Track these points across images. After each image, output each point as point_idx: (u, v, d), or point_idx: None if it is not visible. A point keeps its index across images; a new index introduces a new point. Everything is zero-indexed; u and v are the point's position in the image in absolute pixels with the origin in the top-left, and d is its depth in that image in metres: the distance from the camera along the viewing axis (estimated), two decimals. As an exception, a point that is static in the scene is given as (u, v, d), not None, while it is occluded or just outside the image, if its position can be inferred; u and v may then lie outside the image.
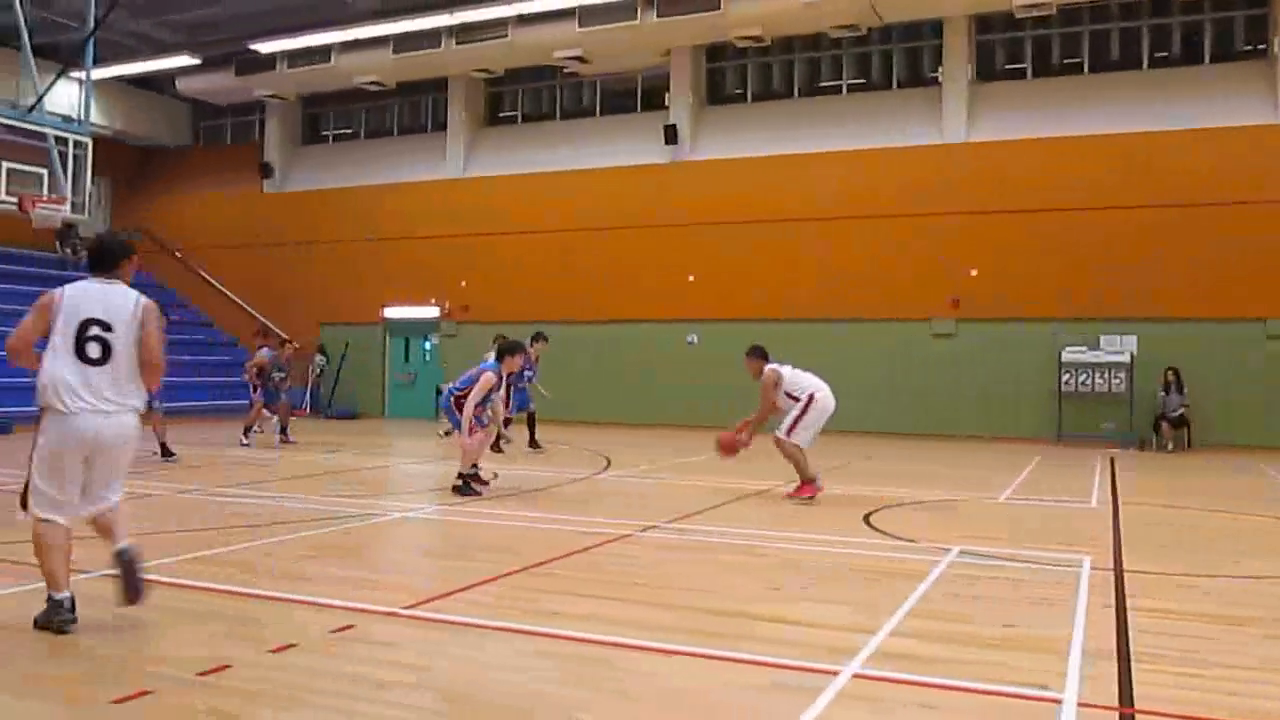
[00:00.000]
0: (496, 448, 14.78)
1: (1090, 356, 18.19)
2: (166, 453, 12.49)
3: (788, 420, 9.93)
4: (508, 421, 14.31)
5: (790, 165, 20.52)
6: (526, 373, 14.47)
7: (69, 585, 4.71)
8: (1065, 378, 18.25)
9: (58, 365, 4.70)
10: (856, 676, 4.15)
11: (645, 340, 21.44)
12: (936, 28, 20.33)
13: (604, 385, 21.47)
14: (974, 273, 19.01)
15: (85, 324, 4.76)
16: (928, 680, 4.09)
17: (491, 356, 10.54)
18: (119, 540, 4.83)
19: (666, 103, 22.24)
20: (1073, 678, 4.17)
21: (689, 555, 6.90)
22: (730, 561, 6.70)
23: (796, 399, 9.96)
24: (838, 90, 21.53)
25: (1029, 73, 20.18)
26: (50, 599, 4.68)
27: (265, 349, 15.47)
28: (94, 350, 4.74)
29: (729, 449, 10.18)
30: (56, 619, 4.62)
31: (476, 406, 9.94)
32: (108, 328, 4.78)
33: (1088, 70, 19.64)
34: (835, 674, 4.15)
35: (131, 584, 4.75)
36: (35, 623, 4.65)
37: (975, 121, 19.73)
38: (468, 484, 9.83)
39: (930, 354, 19.37)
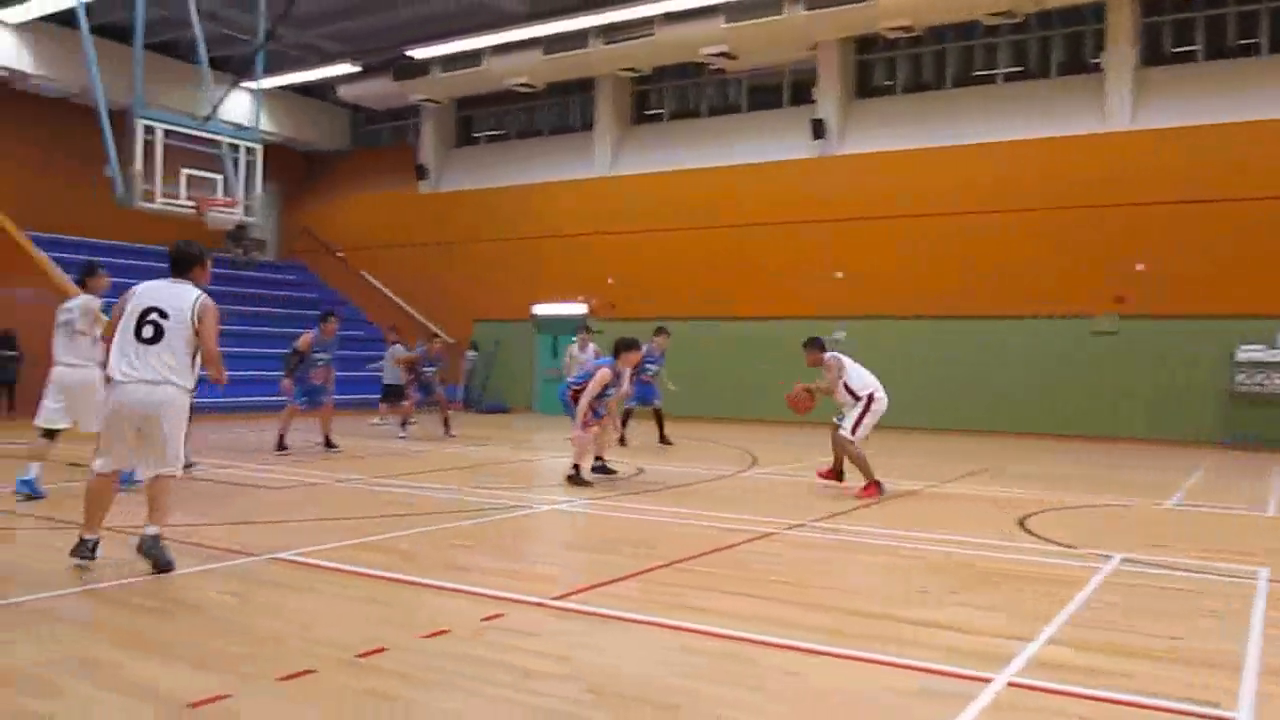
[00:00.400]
0: (621, 441, 14.96)
1: (1268, 355, 17.05)
2: (329, 444, 13.04)
3: (850, 420, 9.98)
4: (627, 416, 14.43)
5: (942, 158, 19.97)
6: (650, 366, 14.58)
7: (97, 531, 5.76)
8: (1239, 377, 17.17)
9: (119, 343, 5.74)
10: (1011, 685, 4.01)
11: (792, 337, 21.08)
12: (1098, 10, 19.43)
13: (750, 382, 21.36)
14: (1140, 267, 18.07)
15: (146, 311, 5.76)
16: (1087, 692, 3.92)
17: (584, 350, 11.15)
18: (147, 524, 5.76)
19: (814, 97, 21.97)
20: (1246, 697, 3.92)
21: (835, 555, 6.81)
22: (877, 562, 6.57)
23: (858, 397, 10.01)
24: (992, 79, 20.83)
25: (1200, 55, 19.07)
26: (80, 537, 5.74)
27: (414, 345, 16.01)
28: (148, 331, 5.72)
29: (800, 404, 10.35)
30: (79, 553, 5.71)
31: (593, 400, 10.22)
32: (164, 315, 5.74)
33: (1267, 51, 18.42)
34: (987, 681, 4.02)
35: (158, 568, 5.68)
36: (71, 551, 5.71)
37: (1141, 109, 18.78)
38: (579, 475, 10.12)
39: (1091, 352, 18.53)
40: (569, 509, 8.86)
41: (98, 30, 16.61)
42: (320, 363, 13.06)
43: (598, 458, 10.93)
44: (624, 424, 15.19)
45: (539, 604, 5.16)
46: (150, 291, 5.88)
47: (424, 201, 27.03)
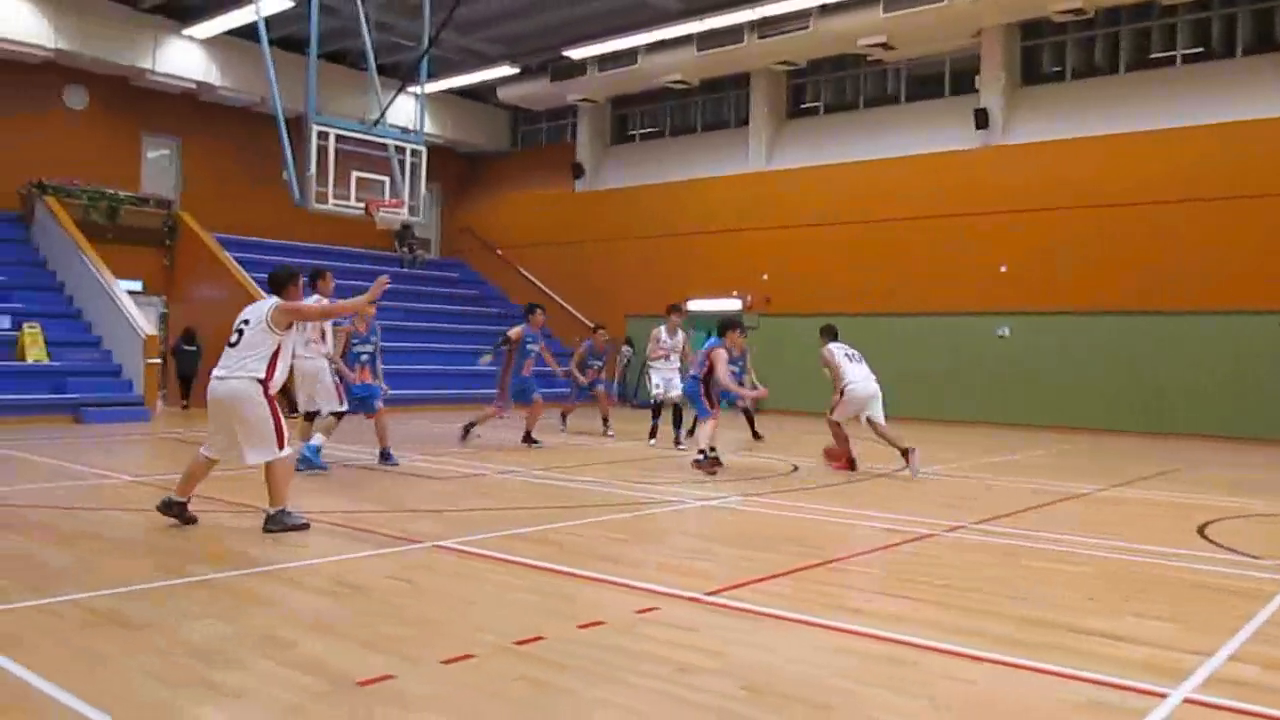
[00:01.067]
0: (754, 435, 14.79)
1: None
2: (530, 439, 13.32)
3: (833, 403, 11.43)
4: (664, 407, 14.47)
5: (1114, 146, 19.00)
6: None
7: (187, 496, 6.92)
8: None
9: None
10: (1189, 701, 3.78)
11: (953, 333, 20.62)
12: (1292, -16, 18.15)
13: (909, 379, 20.84)
14: (1337, 258, 16.79)
15: (237, 323, 6.95)
16: (1273, 713, 3.66)
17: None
18: (269, 504, 6.80)
19: (976, 85, 21.26)
20: None
21: (999, 559, 6.57)
22: (1044, 568, 6.30)
23: (840, 390, 11.34)
24: (1170, 62, 19.70)
25: None
26: (170, 497, 6.92)
27: (585, 341, 16.20)
28: (233, 338, 6.88)
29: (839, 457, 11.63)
30: (166, 508, 6.87)
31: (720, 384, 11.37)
32: (246, 323, 6.90)
33: None
34: (1163, 696, 3.80)
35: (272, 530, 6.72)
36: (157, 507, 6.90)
37: (1341, 88, 17.43)
38: (707, 458, 10.97)
39: (1281, 349, 17.32)
40: (721, 504, 8.84)
41: (276, 43, 17.52)
42: (531, 354, 13.48)
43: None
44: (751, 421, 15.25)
45: (693, 599, 5.16)
46: (245, 310, 7.14)
47: (580, 199, 27.47)
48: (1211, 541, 7.27)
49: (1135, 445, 16.02)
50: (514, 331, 13.44)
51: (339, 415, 10.36)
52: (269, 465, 6.74)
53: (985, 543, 7.07)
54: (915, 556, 6.55)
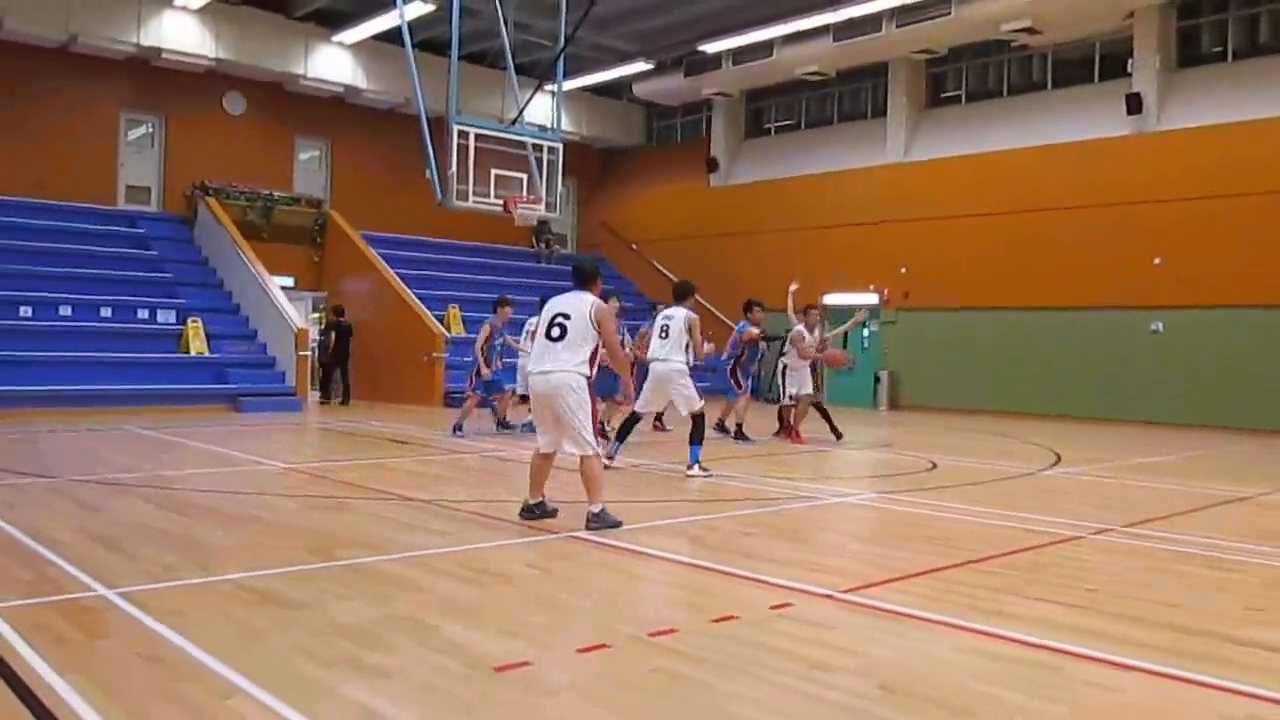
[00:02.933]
0: (792, 435, 14.00)
1: None
2: (739, 434, 13.54)
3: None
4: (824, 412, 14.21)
5: (1278, 130, 17.87)
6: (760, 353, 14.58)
7: (539, 496, 7.04)
8: None
9: (536, 345, 7.00)
10: (1362, 720, 3.55)
11: (1103, 328, 19.77)
12: None
13: (1057, 376, 20.15)
14: None
15: (554, 317, 6.90)
16: None
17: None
18: (589, 502, 6.82)
19: (1129, 69, 20.30)
20: None
21: (1149, 564, 6.29)
22: (1198, 574, 6.00)
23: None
24: (1345, 38, 18.42)
25: None
26: (526, 501, 7.05)
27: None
28: (554, 331, 6.84)
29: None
30: (526, 514, 7.00)
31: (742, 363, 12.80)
32: (567, 317, 6.85)
33: None
34: (1331, 713, 3.58)
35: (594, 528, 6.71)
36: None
37: None
38: (741, 434, 12.55)
39: None
40: (858, 501, 8.72)
41: (419, 46, 18.05)
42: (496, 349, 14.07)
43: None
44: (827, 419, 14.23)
45: (828, 596, 5.12)
46: (554, 301, 7.12)
47: (715, 193, 27.42)
48: (1388, 551, 6.79)
49: (1302, 447, 15.08)
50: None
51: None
52: (584, 461, 6.76)
53: (1135, 546, 6.78)
54: (1059, 559, 6.33)
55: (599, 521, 6.72)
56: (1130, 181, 19.45)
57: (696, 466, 9.82)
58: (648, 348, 11.37)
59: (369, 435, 13.75)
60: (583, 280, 7.13)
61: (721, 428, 13.76)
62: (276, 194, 22.93)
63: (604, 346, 6.89)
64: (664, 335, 10.40)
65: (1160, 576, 5.91)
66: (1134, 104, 19.73)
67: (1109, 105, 20.27)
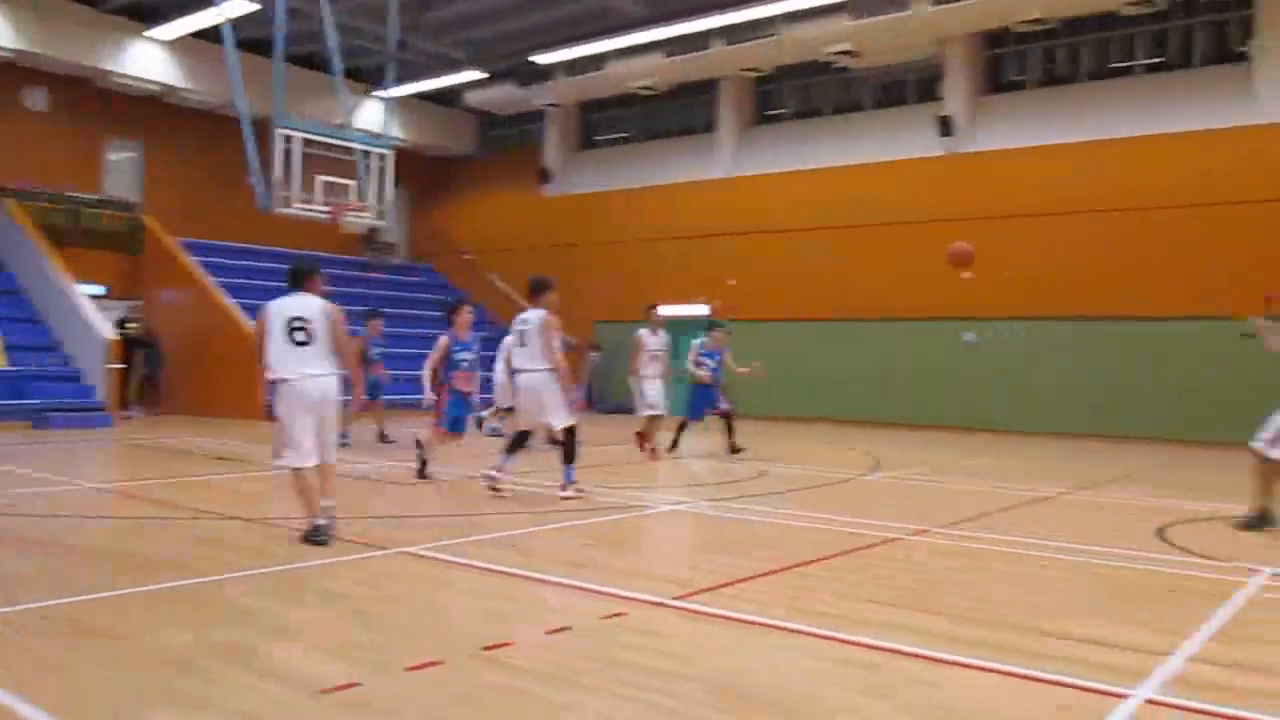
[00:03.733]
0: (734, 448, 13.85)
1: None
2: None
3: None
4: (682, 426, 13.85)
5: (1078, 154, 19.25)
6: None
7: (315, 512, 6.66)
8: None
9: (275, 348, 6.60)
10: (1150, 702, 3.83)
11: (919, 339, 20.79)
12: (1248, -4, 18.49)
13: (874, 385, 21.03)
14: (1293, 265, 17.09)
15: (292, 320, 6.61)
16: (1232, 712, 3.72)
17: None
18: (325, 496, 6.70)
19: (941, 93, 21.47)
20: None
21: (964, 562, 6.63)
22: (1008, 571, 6.37)
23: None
24: (1131, 71, 19.98)
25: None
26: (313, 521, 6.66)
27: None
28: (300, 337, 6.60)
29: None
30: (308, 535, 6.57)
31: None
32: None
33: None
34: (1125, 698, 3.85)
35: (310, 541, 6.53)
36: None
37: (1296, 98, 17.75)
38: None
39: (1239, 354, 17.56)
40: (689, 509, 8.86)
41: (241, 45, 17.39)
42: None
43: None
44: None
45: (660, 604, 5.17)
46: (284, 305, 6.74)
47: (547, 204, 27.44)
48: (1172, 544, 7.38)
49: (1098, 449, 16.22)
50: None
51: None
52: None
53: (951, 546, 7.14)
54: (881, 560, 6.60)
55: (315, 535, 6.53)
56: (942, 200, 20.54)
57: (571, 488, 8.98)
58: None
59: (187, 451, 13.09)
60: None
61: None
62: (84, 197, 21.60)
63: (338, 345, 6.73)
64: (522, 343, 9.14)
65: (974, 574, 6.24)
66: (945, 126, 20.86)
67: (923, 127, 21.37)
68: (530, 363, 9.07)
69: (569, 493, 8.95)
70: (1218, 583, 6.04)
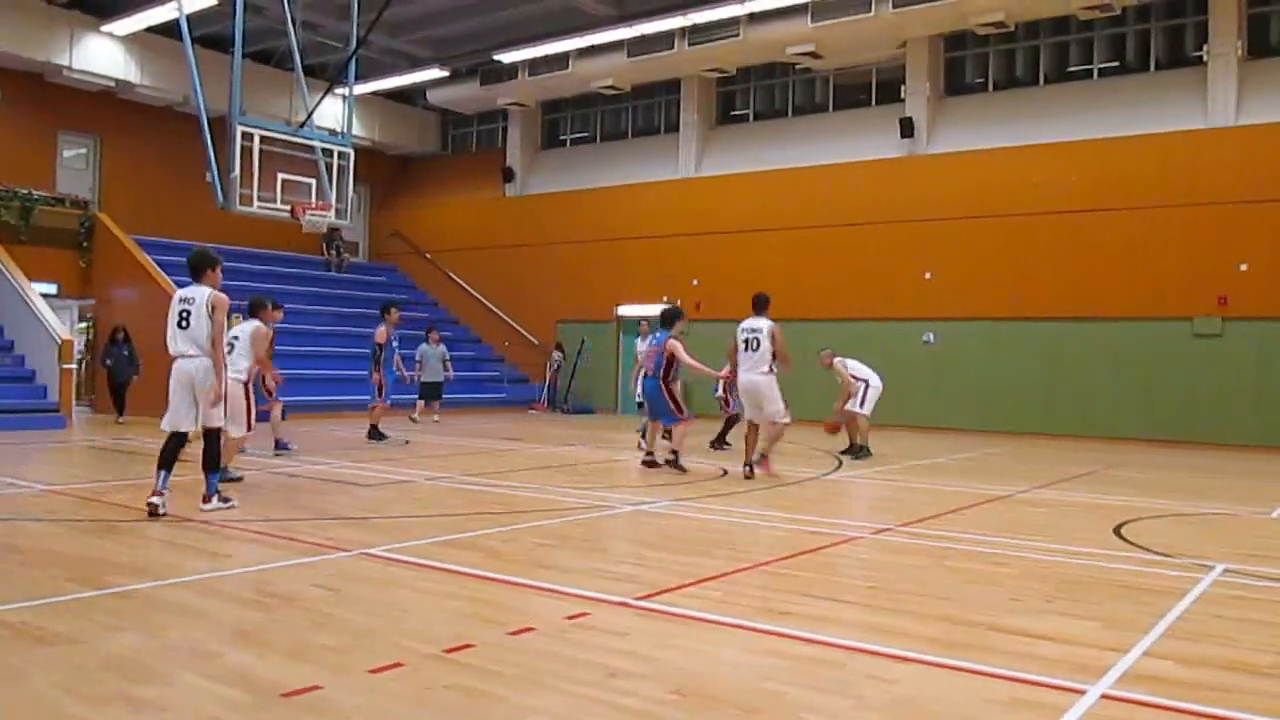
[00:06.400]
0: (723, 442, 14.57)
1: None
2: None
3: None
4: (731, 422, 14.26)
5: (1036, 156, 19.52)
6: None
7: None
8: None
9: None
10: (1105, 697, 3.89)
11: (880, 339, 20.91)
12: (1200, 2, 18.81)
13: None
14: (1244, 267, 17.43)
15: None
16: (1186, 706, 3.78)
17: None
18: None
19: (902, 95, 21.66)
20: (1362, 714, 3.75)
21: (924, 560, 6.69)
22: (967, 569, 6.44)
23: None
24: (1088, 75, 20.28)
25: (1312, 46, 18.29)
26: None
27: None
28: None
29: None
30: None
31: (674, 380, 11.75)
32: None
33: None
34: (1081, 693, 3.91)
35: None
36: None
37: (1246, 102, 18.09)
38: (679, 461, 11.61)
39: (1192, 355, 17.90)
40: (652, 509, 8.87)
41: (199, 41, 17.17)
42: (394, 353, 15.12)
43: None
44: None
45: (623, 604, 5.18)
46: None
47: (510, 204, 27.36)
48: (1127, 541, 7.50)
49: (1057, 448, 16.44)
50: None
51: None
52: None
53: (911, 544, 7.20)
54: (842, 559, 6.65)
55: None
56: (903, 200, 20.74)
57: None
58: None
59: (143, 453, 12.90)
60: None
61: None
62: (36, 193, 21.21)
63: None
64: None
65: (933, 572, 6.30)
66: (906, 128, 21.05)
67: (884, 128, 21.55)
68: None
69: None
70: (1172, 579, 6.14)
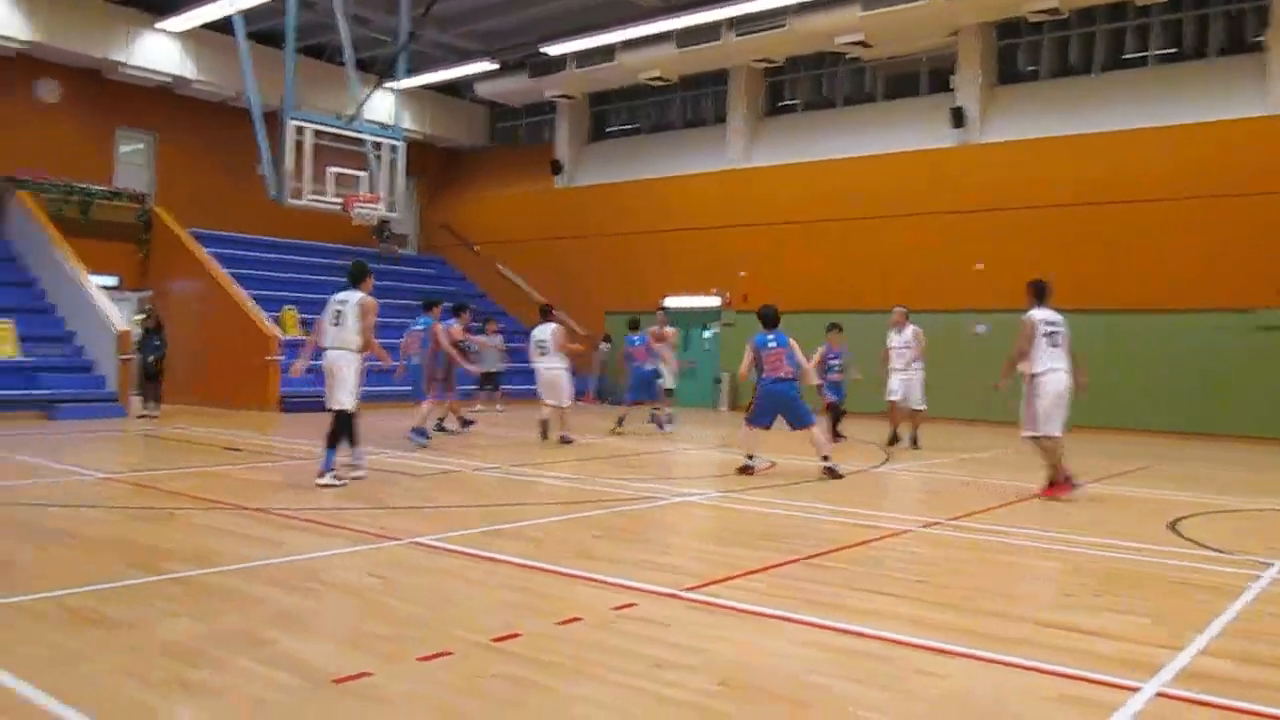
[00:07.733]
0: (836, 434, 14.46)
1: None
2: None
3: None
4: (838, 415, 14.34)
5: (1090, 145, 19.14)
6: (833, 362, 14.90)
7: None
8: None
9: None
10: (1160, 695, 3.83)
11: (930, 331, 20.65)
12: (1262, -13, 18.35)
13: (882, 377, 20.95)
14: (1307, 257, 16.98)
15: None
16: (1244, 706, 3.71)
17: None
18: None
19: (953, 84, 21.37)
20: None
21: (974, 555, 6.62)
22: (1018, 564, 6.37)
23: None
24: (1144, 63, 19.87)
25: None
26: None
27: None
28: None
29: None
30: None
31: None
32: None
33: None
34: (1134, 690, 3.85)
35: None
36: None
37: (1311, 88, 17.61)
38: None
39: (1255, 347, 17.47)
40: (700, 500, 8.87)
41: (252, 36, 17.42)
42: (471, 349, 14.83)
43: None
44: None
45: (670, 595, 5.18)
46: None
47: (558, 196, 27.42)
48: (1182, 537, 7.36)
49: (1110, 442, 16.16)
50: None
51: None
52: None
53: (960, 539, 7.13)
54: (890, 552, 6.60)
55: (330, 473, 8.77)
56: (953, 190, 20.46)
57: (329, 475, 8.92)
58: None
59: (199, 442, 13.16)
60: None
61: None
62: (95, 188, 21.66)
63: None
64: (336, 322, 9.20)
65: (982, 567, 6.24)
66: (957, 117, 20.77)
67: (934, 118, 21.27)
68: (339, 340, 9.18)
69: (325, 480, 8.87)
70: (1228, 576, 6.02)
